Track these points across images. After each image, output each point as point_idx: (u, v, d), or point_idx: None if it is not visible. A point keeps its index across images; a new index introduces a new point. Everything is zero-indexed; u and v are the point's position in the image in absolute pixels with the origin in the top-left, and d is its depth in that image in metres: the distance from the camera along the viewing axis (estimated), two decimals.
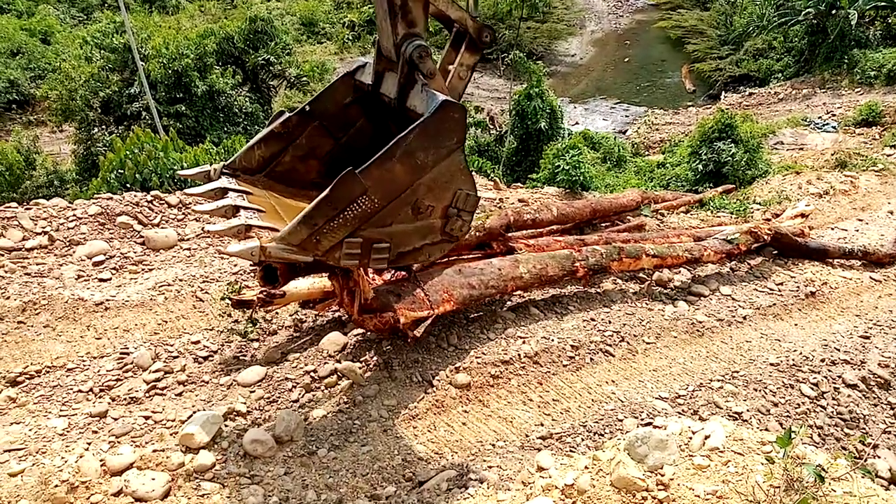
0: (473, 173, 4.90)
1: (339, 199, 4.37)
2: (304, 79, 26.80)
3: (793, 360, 7.51)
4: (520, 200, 12.10)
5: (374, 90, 5.38)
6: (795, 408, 6.81)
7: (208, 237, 8.94)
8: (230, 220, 4.61)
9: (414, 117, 4.67)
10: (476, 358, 6.78)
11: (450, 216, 4.90)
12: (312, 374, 6.37)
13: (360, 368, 6.43)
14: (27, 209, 8.55)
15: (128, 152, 11.30)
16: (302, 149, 5.57)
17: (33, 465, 4.97)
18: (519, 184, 16.30)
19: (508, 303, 7.92)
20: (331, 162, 5.63)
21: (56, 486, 4.75)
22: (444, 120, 4.54)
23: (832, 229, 12.59)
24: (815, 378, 7.26)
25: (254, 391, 6.13)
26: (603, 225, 11.26)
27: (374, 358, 6.61)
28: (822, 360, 7.57)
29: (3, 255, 7.81)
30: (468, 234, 8.03)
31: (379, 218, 4.59)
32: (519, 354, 6.92)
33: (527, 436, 5.99)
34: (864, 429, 6.81)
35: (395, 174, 4.51)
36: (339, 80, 5.66)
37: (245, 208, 4.81)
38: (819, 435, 6.58)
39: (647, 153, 25.10)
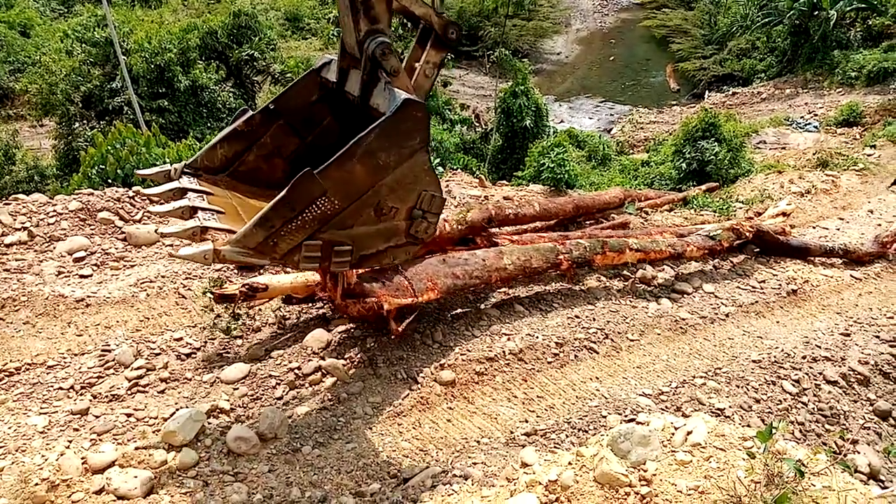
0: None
1: (297, 201, 4.24)
2: (289, 74, 26.62)
3: (774, 357, 7.59)
4: (505, 198, 12.12)
5: (338, 88, 5.25)
6: (777, 404, 6.89)
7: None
8: (185, 222, 4.47)
9: (377, 116, 4.55)
10: (461, 355, 6.78)
11: (414, 218, 4.81)
12: (296, 371, 6.34)
13: (344, 366, 6.41)
14: (6, 204, 8.43)
15: (109, 147, 11.18)
16: (266, 148, 5.43)
17: (13, 463, 4.90)
18: (504, 181, 16.33)
19: (493, 300, 7.94)
20: (296, 161, 5.48)
21: (36, 484, 4.69)
22: (406, 119, 4.42)
23: (814, 228, 12.75)
24: (796, 375, 7.35)
25: (237, 388, 6.09)
26: (587, 223, 11.32)
27: (359, 355, 6.60)
28: (804, 357, 7.66)
29: None
30: (451, 229, 8.06)
31: (340, 220, 4.48)
32: (504, 351, 6.93)
33: (511, 432, 6.00)
34: (844, 425, 6.91)
35: (356, 175, 4.40)
36: (304, 77, 5.51)
37: (203, 209, 4.66)
38: (800, 431, 6.66)
39: (631, 152, 25.27)
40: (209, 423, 5.54)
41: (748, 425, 6.32)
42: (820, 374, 7.46)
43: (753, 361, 7.47)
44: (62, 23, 29.92)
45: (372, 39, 4.60)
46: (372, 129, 4.35)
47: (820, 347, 7.95)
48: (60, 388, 5.88)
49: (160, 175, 5.09)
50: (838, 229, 12.62)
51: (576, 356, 7.17)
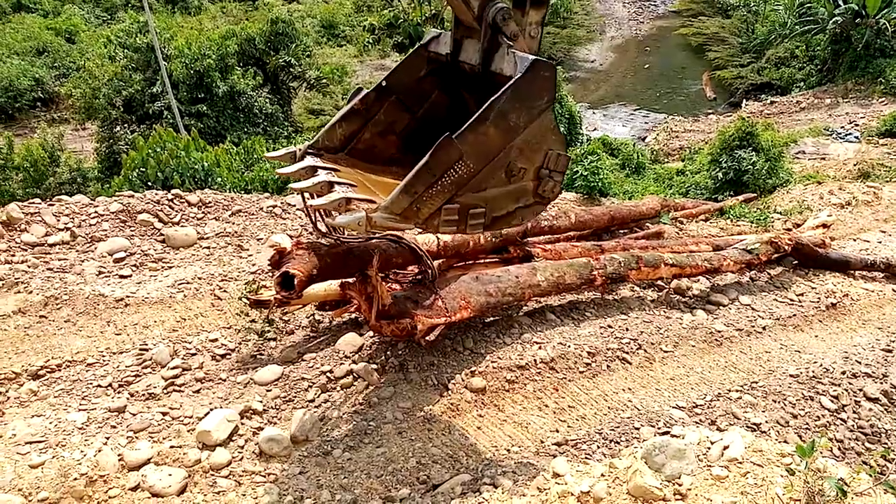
0: None
1: (437, 165, 4.40)
2: (324, 81, 26.96)
3: (813, 371, 7.41)
4: None
5: (452, 59, 5.36)
6: (815, 420, 6.72)
7: (227, 237, 9.01)
8: (329, 195, 4.65)
9: (500, 81, 4.67)
10: (492, 362, 6.76)
11: (542, 178, 4.89)
12: (328, 374, 6.39)
13: (375, 370, 6.44)
14: (50, 205, 8.67)
15: (150, 151, 11.44)
16: (381, 125, 5.59)
17: (53, 457, 5.03)
18: None
19: (525, 308, 7.90)
20: (408, 137, 5.65)
21: (75, 479, 4.81)
22: (535, 79, 4.53)
23: (854, 240, 12.43)
24: (835, 391, 7.16)
25: (270, 390, 6.16)
26: (621, 232, 11.20)
27: (390, 360, 6.62)
28: (843, 373, 7.46)
29: (26, 251, 7.93)
30: (485, 241, 8.04)
31: (474, 183, 4.62)
32: (535, 360, 6.89)
33: (542, 442, 5.96)
34: (885, 443, 6.71)
35: (489, 138, 4.53)
36: (413, 52, 5.63)
37: (338, 183, 4.87)
38: (839, 448, 6.49)
39: (666, 160, 24.91)
40: (242, 424, 5.62)
41: (785, 441, 6.18)
42: (860, 390, 7.26)
43: (791, 376, 7.30)
44: (106, 29, 30.67)
45: (491, 6, 4.72)
46: (504, 91, 4.44)
47: (860, 363, 7.73)
48: (99, 386, 6.02)
49: (286, 156, 5.31)
50: (880, 242, 12.29)
51: (608, 366, 7.09)
